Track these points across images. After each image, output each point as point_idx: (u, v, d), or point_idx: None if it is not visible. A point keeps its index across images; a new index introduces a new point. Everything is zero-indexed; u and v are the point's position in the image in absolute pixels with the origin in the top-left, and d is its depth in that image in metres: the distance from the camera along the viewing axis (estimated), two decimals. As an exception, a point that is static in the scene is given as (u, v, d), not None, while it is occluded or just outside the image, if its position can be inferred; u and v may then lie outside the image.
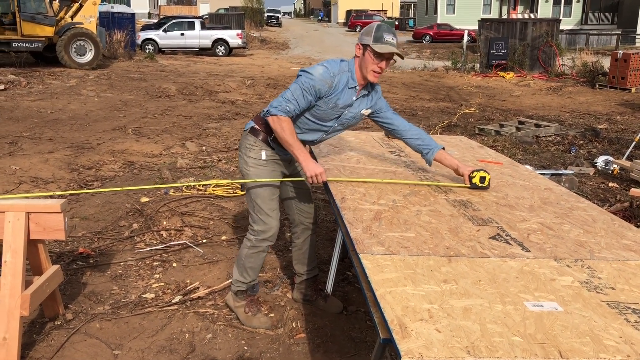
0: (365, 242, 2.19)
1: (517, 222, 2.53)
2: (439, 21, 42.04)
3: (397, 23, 51.51)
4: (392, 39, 2.77)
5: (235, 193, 5.52)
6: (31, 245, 2.90)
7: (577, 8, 43.84)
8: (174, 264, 4.02)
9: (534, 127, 9.42)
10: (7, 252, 2.74)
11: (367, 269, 1.95)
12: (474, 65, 20.89)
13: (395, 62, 2.74)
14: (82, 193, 5.30)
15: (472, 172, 2.98)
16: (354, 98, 2.91)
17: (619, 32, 32.20)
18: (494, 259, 2.11)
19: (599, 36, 32.39)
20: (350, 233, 2.28)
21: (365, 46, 2.79)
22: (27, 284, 2.83)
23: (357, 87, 2.89)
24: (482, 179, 2.97)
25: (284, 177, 3.11)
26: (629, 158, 7.11)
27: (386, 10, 59.23)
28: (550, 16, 39.26)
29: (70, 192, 2.94)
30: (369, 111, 3.05)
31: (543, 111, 12.49)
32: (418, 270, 1.98)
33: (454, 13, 44.36)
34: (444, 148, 3.12)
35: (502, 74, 19.10)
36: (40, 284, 2.86)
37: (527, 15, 42.20)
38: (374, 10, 55.54)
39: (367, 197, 2.79)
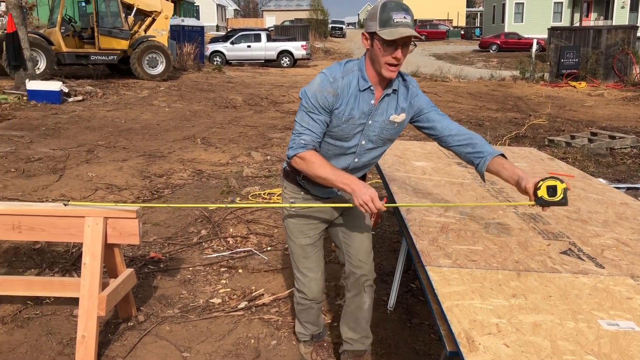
0: (432, 254, 2.18)
1: (590, 238, 2.45)
2: (506, 30, 41.16)
3: (462, 32, 50.79)
4: (404, 17, 2.10)
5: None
6: (107, 249, 3.04)
7: (655, 14, 41.82)
8: (240, 271, 4.11)
9: (607, 138, 9.05)
10: (86, 254, 2.89)
11: (434, 281, 1.95)
12: (543, 75, 20.28)
13: (415, 46, 2.24)
14: (154, 207, 5.52)
15: (538, 182, 2.16)
16: (373, 102, 2.27)
17: (702, 38, 30.45)
18: (565, 275, 2.05)
19: (679, 43, 30.77)
20: (417, 245, 2.28)
21: (372, 34, 2.17)
22: (103, 285, 2.97)
23: (373, 88, 2.26)
24: (551, 189, 2.13)
25: (326, 223, 2.59)
26: None
27: (452, 20, 58.51)
28: (627, 22, 37.65)
29: (144, 205, 3.06)
30: (403, 116, 2.34)
31: (618, 122, 11.98)
32: (486, 284, 1.95)
33: (522, 21, 43.32)
34: (503, 155, 2.32)
35: (573, 83, 18.46)
36: (116, 286, 3.00)
37: (601, 23, 40.64)
38: (439, 20, 54.96)
39: (434, 208, 2.77)
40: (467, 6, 64.54)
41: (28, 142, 8.13)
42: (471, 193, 3.11)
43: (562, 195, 2.14)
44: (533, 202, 2.16)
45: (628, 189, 5.78)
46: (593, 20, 42.57)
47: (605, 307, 1.82)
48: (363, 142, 2.34)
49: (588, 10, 43.02)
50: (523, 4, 43.72)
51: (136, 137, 8.99)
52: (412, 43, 2.17)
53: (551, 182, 2.14)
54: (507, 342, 1.59)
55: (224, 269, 4.15)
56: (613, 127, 11.09)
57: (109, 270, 3.17)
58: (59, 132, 8.98)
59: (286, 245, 4.53)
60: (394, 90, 2.30)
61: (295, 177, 2.48)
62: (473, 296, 1.85)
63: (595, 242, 2.40)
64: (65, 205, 2.95)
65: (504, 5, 44.42)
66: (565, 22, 41.77)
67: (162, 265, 4.16)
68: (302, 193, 2.51)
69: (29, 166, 6.79)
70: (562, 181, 2.15)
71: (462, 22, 60.54)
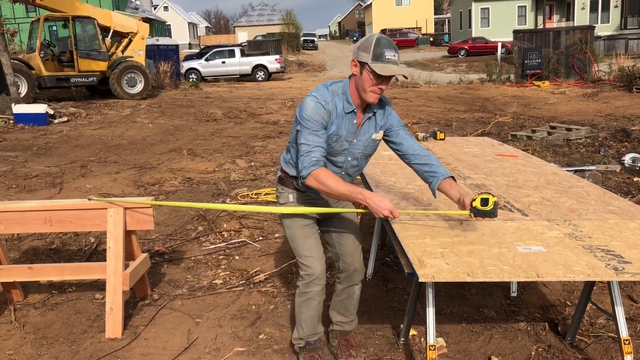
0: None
1: (522, 197, 3.07)
2: (473, 35, 42.37)
3: (431, 39, 52.00)
4: (394, 55, 2.45)
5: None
6: (126, 236, 3.57)
7: (615, 13, 43.41)
8: (236, 257, 4.67)
9: (564, 131, 9.80)
10: (110, 239, 3.42)
11: (396, 229, 2.54)
12: (509, 76, 21.19)
13: (398, 80, 2.37)
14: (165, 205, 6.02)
15: (475, 197, 2.47)
16: (355, 122, 2.61)
17: (659, 34, 31.87)
18: (497, 221, 2.66)
19: (639, 40, 32.15)
20: (383, 208, 2.86)
21: (363, 64, 2.48)
22: (124, 266, 3.50)
23: (356, 111, 2.59)
24: (484, 201, 2.43)
25: (318, 217, 2.86)
26: (655, 154, 7.44)
27: (420, 27, 59.81)
28: (588, 23, 39.11)
29: (158, 202, 3.56)
30: (381, 132, 2.70)
31: (578, 117, 12.77)
32: (435, 229, 2.56)
33: (488, 26, 44.63)
34: (453, 177, 2.66)
35: (537, 83, 19.37)
36: (135, 267, 3.54)
37: (563, 24, 42.08)
38: (409, 28, 56.18)
39: (397, 183, 3.37)
40: (435, 13, 66.02)
41: (23, 161, 8.58)
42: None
43: (492, 206, 2.43)
44: (468, 212, 2.47)
45: (575, 171, 6.47)
46: (556, 22, 44.03)
47: (523, 239, 2.43)
48: (349, 159, 2.67)
49: (550, 12, 44.52)
50: (488, 9, 45.08)
51: (125, 152, 9.48)
52: (395, 77, 2.56)
53: (484, 195, 2.44)
54: (447, 262, 2.19)
55: (222, 257, 4.69)
56: (572, 121, 11.86)
57: (127, 254, 3.69)
58: (51, 151, 9.44)
59: (276, 235, 5.13)
60: (374, 113, 2.64)
61: (293, 182, 2.77)
62: (425, 237, 2.45)
63: (525, 200, 3.02)
64: (89, 200, 3.50)
65: (470, 11, 45.75)
66: (529, 25, 43.17)
67: (166, 257, 4.70)
68: (296, 193, 2.79)
69: (29, 182, 7.26)
70: (493, 196, 2.44)
71: (431, 29, 61.91)
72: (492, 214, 2.43)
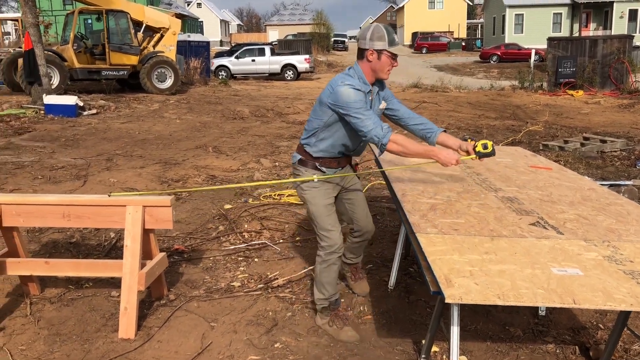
0: (422, 225, 2.64)
1: (556, 214, 2.91)
2: (506, 41, 41.75)
3: (463, 44, 51.38)
4: (397, 36, 3.03)
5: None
6: (144, 234, 3.50)
7: (654, 23, 42.33)
8: (256, 259, 4.57)
9: (599, 142, 9.49)
10: (127, 238, 3.35)
11: (422, 243, 2.41)
12: (542, 84, 20.76)
13: None
14: (184, 191, 5.96)
15: (475, 143, 3.08)
16: (370, 98, 3.11)
17: (699, 46, 30.88)
18: (530, 239, 2.51)
19: (678, 51, 31.22)
20: (409, 219, 2.73)
21: (380, 51, 2.98)
22: (141, 265, 3.43)
23: (371, 90, 3.11)
24: (485, 145, 3.04)
25: (337, 190, 3.36)
26: (695, 171, 7.13)
27: (453, 32, 59.17)
28: (626, 32, 38.16)
29: (175, 190, 3.48)
30: (384, 103, 3.24)
31: (613, 128, 12.40)
32: (464, 245, 2.41)
33: (522, 32, 43.93)
34: (445, 131, 3.26)
35: (570, 92, 18.93)
36: (152, 266, 3.46)
37: (600, 32, 41.17)
38: (440, 32, 55.63)
39: (425, 193, 3.23)
40: (468, 18, 65.16)
41: (50, 152, 8.63)
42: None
43: (491, 149, 3.06)
44: (474, 156, 3.09)
45: (610, 185, 6.22)
46: (592, 30, 43.12)
47: (558, 260, 2.28)
48: None
49: (587, 20, 43.61)
50: (523, 15, 44.38)
51: (151, 146, 9.48)
52: None
53: (483, 141, 3.09)
54: (477, 282, 2.05)
55: (241, 259, 4.60)
56: (607, 132, 11.50)
57: (144, 253, 3.61)
58: (78, 143, 9.49)
59: (297, 238, 5.02)
60: (379, 89, 3.21)
61: (315, 163, 3.23)
62: (453, 253, 2.31)
63: (560, 216, 2.86)
64: (109, 196, 3.44)
65: (504, 16, 45.09)
66: (564, 32, 42.34)
67: (185, 256, 4.62)
68: (318, 173, 3.24)
69: (54, 173, 7.28)
70: (489, 141, 3.09)
71: (463, 34, 61.12)
72: (492, 154, 3.05)
